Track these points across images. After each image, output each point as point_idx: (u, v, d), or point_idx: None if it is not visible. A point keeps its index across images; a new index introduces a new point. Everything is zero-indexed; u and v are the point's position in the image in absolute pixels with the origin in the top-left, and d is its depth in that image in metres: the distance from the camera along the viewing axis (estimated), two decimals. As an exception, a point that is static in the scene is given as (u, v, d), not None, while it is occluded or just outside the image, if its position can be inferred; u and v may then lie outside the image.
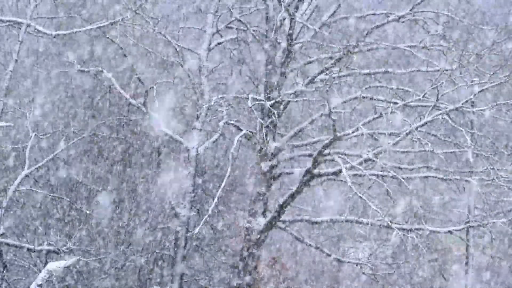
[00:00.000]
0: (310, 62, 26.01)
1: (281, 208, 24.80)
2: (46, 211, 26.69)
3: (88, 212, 25.89)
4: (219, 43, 27.48)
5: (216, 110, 25.52)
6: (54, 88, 28.46)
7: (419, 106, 24.01)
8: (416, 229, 23.95)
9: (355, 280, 31.08)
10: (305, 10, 25.91)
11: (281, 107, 25.41)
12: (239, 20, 26.01)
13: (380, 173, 23.27)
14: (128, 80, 27.39)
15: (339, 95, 24.56)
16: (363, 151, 22.92)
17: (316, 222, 25.70)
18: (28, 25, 24.56)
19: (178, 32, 27.30)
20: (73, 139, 25.96)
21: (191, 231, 25.26)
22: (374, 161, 22.73)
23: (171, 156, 28.23)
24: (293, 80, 25.77)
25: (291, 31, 24.99)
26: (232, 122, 25.46)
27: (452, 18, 25.29)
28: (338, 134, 22.84)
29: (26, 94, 28.15)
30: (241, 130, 24.55)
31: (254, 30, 25.90)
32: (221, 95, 25.65)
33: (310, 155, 25.02)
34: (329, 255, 26.67)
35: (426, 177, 24.73)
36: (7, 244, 24.74)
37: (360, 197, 22.35)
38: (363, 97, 24.12)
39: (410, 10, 25.23)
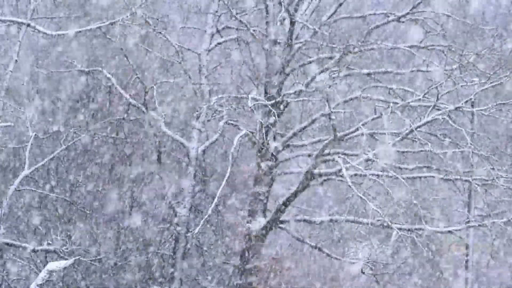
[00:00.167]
0: (310, 62, 26.01)
1: (281, 208, 24.80)
2: (46, 211, 26.68)
3: (88, 212, 25.89)
4: (219, 43, 27.48)
5: (216, 110, 25.51)
6: (54, 88, 28.46)
7: (419, 106, 24.01)
8: (416, 229, 23.94)
9: (355, 280, 31.05)
10: (305, 10, 25.90)
11: (281, 107, 25.41)
12: (239, 20, 26.01)
13: (380, 173, 23.26)
14: (129, 80, 27.38)
15: (339, 95, 24.56)
16: (363, 151, 22.92)
17: (316, 222, 25.70)
18: (28, 25, 24.55)
19: (178, 32, 27.30)
20: (73, 139, 25.97)
21: (191, 231, 25.25)
22: (374, 161, 22.74)
23: (171, 156, 28.21)
24: (293, 80, 25.76)
25: (291, 31, 24.99)
26: (232, 122, 25.47)
27: (452, 18, 25.30)
28: (338, 134, 22.85)
29: (26, 94, 28.15)
30: (241, 130, 24.55)
31: (254, 30, 25.89)
32: (221, 95, 25.66)
33: (310, 155, 25.02)
34: (329, 255, 26.66)
35: (426, 177, 24.72)
36: (7, 244, 24.74)
37: (360, 197, 22.35)
38: (363, 97, 24.12)
39: (410, 10, 25.22)
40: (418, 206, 23.18)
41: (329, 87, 23.03)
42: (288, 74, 25.63)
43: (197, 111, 26.09)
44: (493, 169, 23.57)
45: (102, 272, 26.09)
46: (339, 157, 23.18)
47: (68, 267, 23.02)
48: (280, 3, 24.86)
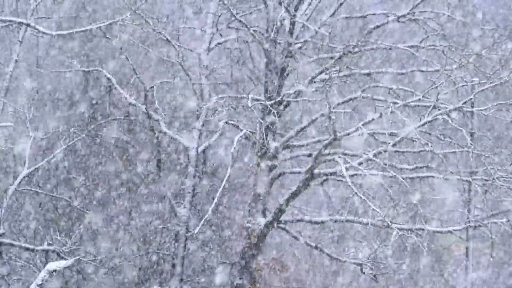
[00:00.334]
0: (310, 62, 26.00)
1: (281, 208, 24.79)
2: (46, 211, 26.69)
3: (88, 212, 25.89)
4: (219, 43, 27.48)
5: (216, 110, 25.51)
6: (55, 88, 28.47)
7: (419, 106, 23.99)
8: (416, 229, 23.93)
9: (355, 280, 31.06)
10: (305, 10, 25.89)
11: (281, 107, 25.41)
12: (239, 20, 26.00)
13: (380, 173, 23.24)
14: (128, 80, 27.39)
15: (339, 95, 24.55)
16: (363, 151, 22.92)
17: (316, 222, 25.70)
18: (28, 25, 24.56)
19: (178, 32, 27.29)
20: (73, 139, 25.98)
21: (191, 231, 25.25)
22: (374, 161, 22.73)
23: (171, 156, 28.22)
24: (293, 80, 25.75)
25: (291, 31, 24.99)
26: (232, 122, 25.46)
27: (452, 18, 25.29)
28: (338, 134, 22.85)
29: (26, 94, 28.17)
30: (241, 130, 24.55)
31: (254, 30, 25.89)
32: (221, 95, 25.66)
33: (310, 155, 25.01)
34: (329, 255, 26.65)
35: (426, 177, 24.70)
36: (7, 244, 24.74)
37: (360, 197, 22.34)
38: (363, 97, 24.11)
39: (410, 10, 25.22)
40: (418, 206, 23.18)
41: (329, 87, 23.02)
42: (288, 74, 25.62)
43: (197, 111, 26.10)
44: (493, 169, 23.56)
45: (102, 272, 26.11)
46: (339, 157, 23.17)
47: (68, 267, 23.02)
48: (280, 3, 24.85)
